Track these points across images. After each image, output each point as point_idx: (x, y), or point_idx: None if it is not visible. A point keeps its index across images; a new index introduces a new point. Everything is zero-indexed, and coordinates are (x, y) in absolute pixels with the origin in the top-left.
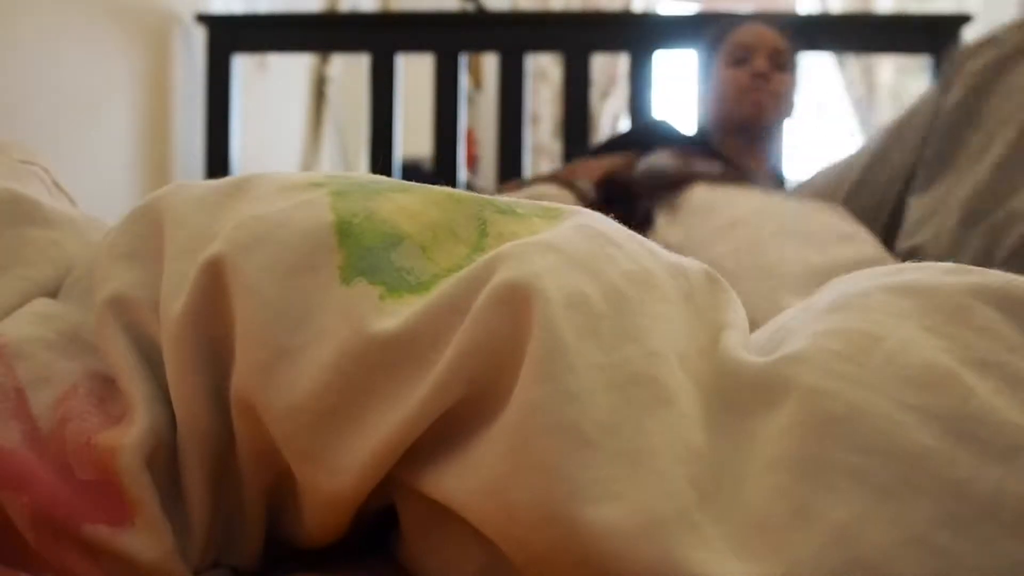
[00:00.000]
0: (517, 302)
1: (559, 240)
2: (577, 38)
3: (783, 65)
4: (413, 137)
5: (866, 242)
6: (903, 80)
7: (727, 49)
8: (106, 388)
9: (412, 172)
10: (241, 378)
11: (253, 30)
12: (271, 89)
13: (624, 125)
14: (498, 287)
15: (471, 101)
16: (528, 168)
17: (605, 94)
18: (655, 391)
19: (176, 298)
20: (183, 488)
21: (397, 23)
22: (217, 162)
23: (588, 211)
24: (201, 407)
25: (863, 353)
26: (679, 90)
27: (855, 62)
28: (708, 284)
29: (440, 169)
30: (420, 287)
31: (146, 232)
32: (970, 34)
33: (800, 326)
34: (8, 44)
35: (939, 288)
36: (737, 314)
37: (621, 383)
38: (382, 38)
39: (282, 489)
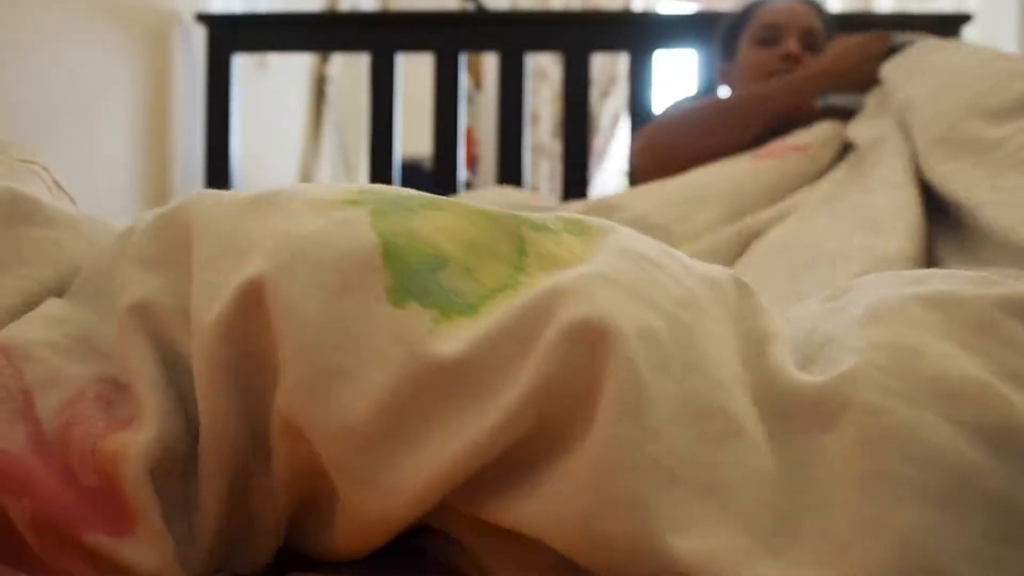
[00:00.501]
0: (592, 339)
1: (612, 270)
2: (577, 38)
3: (815, 46)
4: (413, 137)
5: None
6: None
7: (754, 27)
8: (115, 392)
9: (412, 172)
10: (287, 397)
11: (253, 29)
12: (271, 89)
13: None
14: (571, 324)
15: (471, 101)
16: (528, 168)
17: (605, 94)
18: (725, 423)
19: (208, 309)
20: (198, 498)
21: (397, 23)
22: (217, 161)
23: (617, 227)
24: (229, 419)
25: (908, 368)
26: (679, 89)
27: None
28: (739, 292)
29: (440, 169)
30: (470, 309)
31: (172, 239)
32: (970, 34)
33: (841, 335)
34: (8, 44)
35: (966, 301)
36: (772, 320)
37: (694, 417)
38: (382, 38)
39: (315, 506)
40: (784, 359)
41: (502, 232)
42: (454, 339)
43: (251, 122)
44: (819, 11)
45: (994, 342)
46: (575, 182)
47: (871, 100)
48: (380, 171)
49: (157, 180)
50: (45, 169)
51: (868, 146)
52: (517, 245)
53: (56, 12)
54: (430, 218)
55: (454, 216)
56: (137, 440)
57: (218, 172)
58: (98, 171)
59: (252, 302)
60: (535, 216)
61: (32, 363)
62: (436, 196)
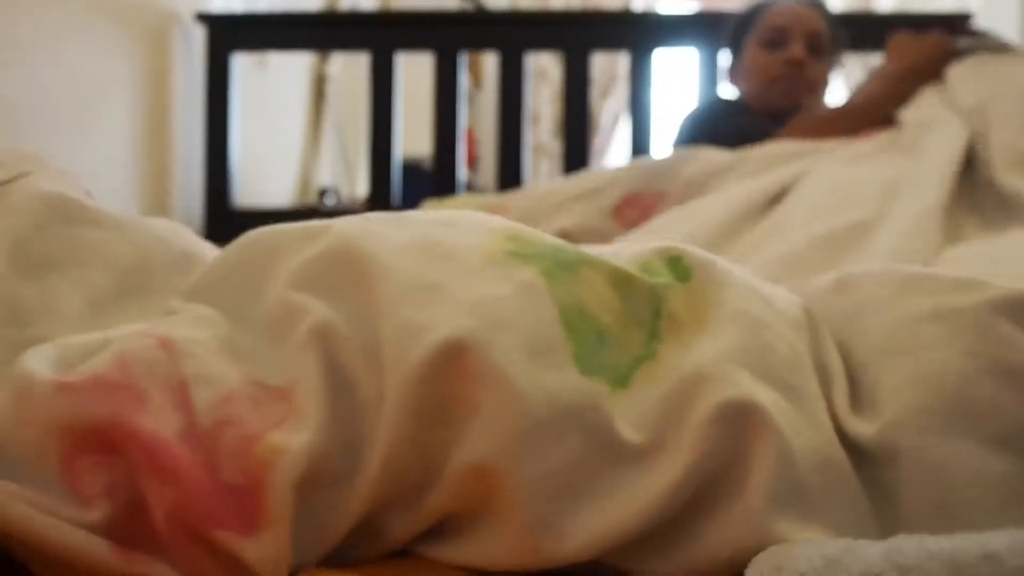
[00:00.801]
0: (742, 419)
1: (736, 348)
2: (577, 37)
3: (820, 50)
4: (413, 136)
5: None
6: None
7: (760, 30)
8: (262, 393)
9: (412, 172)
10: (488, 445)
11: (253, 29)
12: (271, 88)
13: (623, 126)
14: (720, 408)
15: (471, 100)
16: (528, 168)
17: (605, 93)
18: (844, 473)
19: (411, 350)
20: (333, 513)
21: (397, 22)
22: (217, 161)
23: (715, 271)
24: (411, 454)
25: (935, 403)
26: (679, 89)
27: (855, 61)
28: (810, 326)
29: (440, 169)
30: (623, 382)
31: (343, 272)
32: None
33: (867, 362)
34: (8, 43)
35: (966, 309)
36: (831, 354)
37: (822, 468)
38: (382, 37)
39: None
40: (843, 403)
41: (640, 296)
42: (625, 417)
43: (251, 122)
44: (825, 14)
45: (991, 344)
46: None
47: (929, 92)
48: (380, 171)
49: (157, 180)
50: (77, 180)
51: (917, 125)
52: (653, 306)
53: (56, 12)
54: (589, 283)
55: (604, 281)
56: (290, 451)
57: (218, 171)
58: (98, 171)
59: (453, 356)
60: (653, 259)
61: (190, 359)
62: (582, 250)
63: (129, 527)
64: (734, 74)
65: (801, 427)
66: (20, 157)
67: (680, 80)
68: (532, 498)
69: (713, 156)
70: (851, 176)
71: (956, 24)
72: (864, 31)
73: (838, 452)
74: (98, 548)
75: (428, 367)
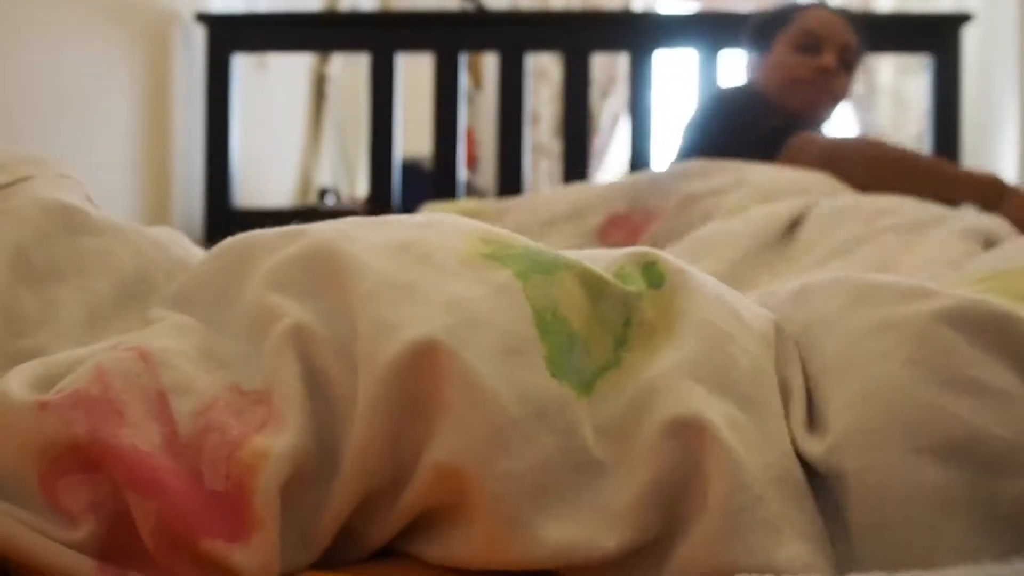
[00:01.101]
0: (690, 435)
1: (694, 360)
2: (577, 37)
3: (849, 64)
4: (413, 137)
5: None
6: (903, 79)
7: (794, 30)
8: (241, 399)
9: (412, 172)
10: (458, 443)
11: (253, 29)
12: (271, 88)
13: (623, 126)
14: (669, 423)
15: (471, 101)
16: (528, 168)
17: (605, 93)
18: (800, 488)
19: (382, 348)
20: (316, 512)
21: (397, 22)
22: (217, 161)
23: (686, 277)
24: (383, 450)
25: (878, 418)
26: (679, 90)
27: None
28: (778, 339)
29: (440, 168)
30: (587, 388)
31: (318, 272)
32: (970, 34)
33: (819, 378)
34: (8, 44)
35: (911, 319)
36: (796, 371)
37: (778, 481)
38: (382, 37)
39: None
40: (799, 421)
41: (613, 302)
42: (588, 424)
43: (251, 122)
44: (858, 29)
45: (933, 352)
46: (575, 181)
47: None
48: (380, 171)
49: (157, 180)
50: (79, 183)
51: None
52: (624, 314)
53: (56, 12)
54: (563, 285)
55: (578, 285)
56: (273, 454)
57: (218, 172)
58: (98, 171)
59: (426, 355)
60: (626, 264)
61: (168, 369)
62: (558, 254)
63: (115, 543)
64: (754, 68)
65: (756, 441)
66: (21, 160)
67: (680, 80)
68: (502, 496)
69: (713, 172)
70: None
71: (956, 24)
72: (864, 31)
73: (795, 467)
74: (83, 566)
75: (401, 364)
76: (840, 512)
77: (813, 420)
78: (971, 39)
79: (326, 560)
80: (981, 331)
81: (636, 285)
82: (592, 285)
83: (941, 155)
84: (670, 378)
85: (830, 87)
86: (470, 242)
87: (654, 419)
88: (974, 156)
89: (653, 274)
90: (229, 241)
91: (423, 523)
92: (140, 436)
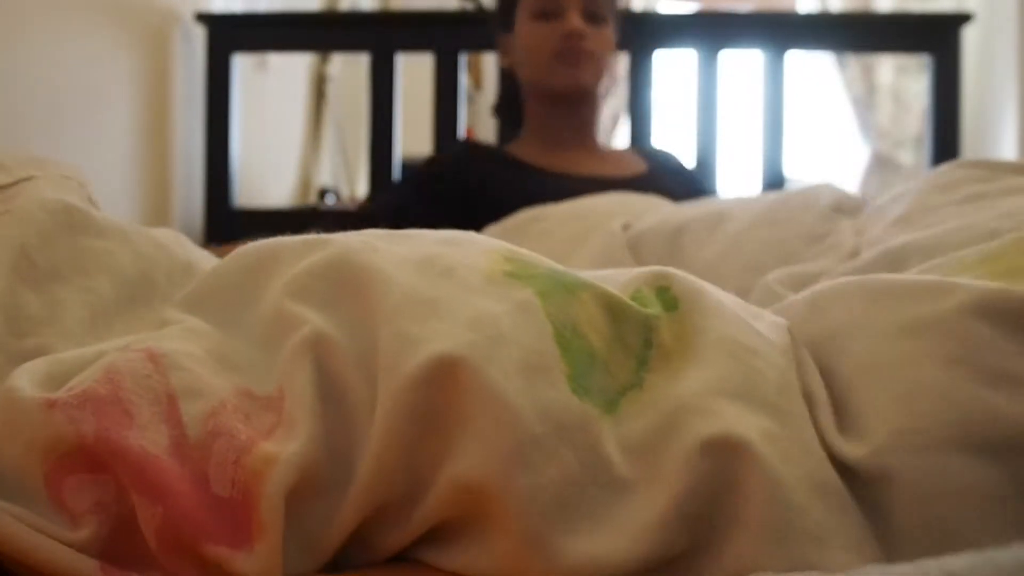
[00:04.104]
0: (726, 454)
1: (722, 377)
2: None
3: (599, 16)
4: (413, 137)
5: None
6: (903, 80)
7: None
8: (251, 404)
9: (412, 171)
10: (479, 460)
11: (253, 29)
12: (271, 88)
13: (623, 127)
14: (704, 443)
15: (471, 100)
16: None
17: (605, 93)
18: (842, 495)
19: (404, 361)
20: (325, 521)
21: (397, 22)
22: (217, 161)
23: (699, 296)
24: (400, 463)
25: (924, 418)
26: (679, 90)
27: (855, 62)
28: (793, 347)
29: None
30: (611, 407)
31: (340, 284)
32: (970, 34)
33: (851, 383)
34: (8, 43)
35: (939, 316)
36: (815, 378)
37: (819, 490)
38: (382, 37)
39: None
40: (830, 426)
41: (632, 324)
42: (613, 442)
43: (251, 122)
44: None
45: (968, 348)
46: None
47: None
48: (380, 171)
49: (157, 180)
50: (81, 184)
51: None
52: (644, 336)
53: (56, 12)
54: (583, 305)
55: (597, 305)
56: (280, 460)
57: (218, 172)
58: (98, 171)
59: (448, 369)
60: (642, 287)
61: (178, 372)
62: (578, 274)
63: (119, 544)
64: (506, 55)
65: (792, 452)
66: (24, 160)
67: (680, 80)
68: (525, 511)
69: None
70: None
71: (956, 24)
72: (864, 31)
73: (832, 475)
74: (86, 566)
75: (423, 377)
76: (883, 514)
77: (846, 426)
78: (971, 39)
79: (337, 563)
80: (1010, 320)
81: (653, 308)
82: (612, 307)
83: (941, 155)
84: (700, 397)
85: (584, 49)
86: (493, 260)
87: (687, 438)
88: (974, 156)
89: (667, 297)
90: (250, 246)
91: (437, 532)
92: (148, 438)
